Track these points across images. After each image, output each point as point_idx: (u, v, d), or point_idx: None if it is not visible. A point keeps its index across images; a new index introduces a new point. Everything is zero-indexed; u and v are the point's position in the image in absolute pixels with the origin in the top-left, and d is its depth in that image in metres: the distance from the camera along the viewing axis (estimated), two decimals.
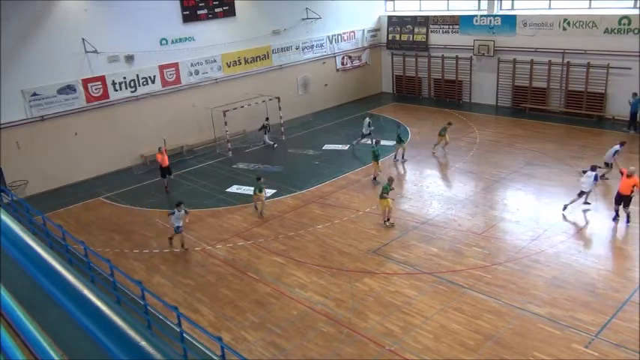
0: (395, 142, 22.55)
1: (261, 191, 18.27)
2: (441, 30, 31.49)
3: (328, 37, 31.48)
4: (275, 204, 19.07)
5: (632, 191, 15.41)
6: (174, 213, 15.95)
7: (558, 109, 27.44)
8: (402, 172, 21.77)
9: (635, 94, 23.77)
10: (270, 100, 26.41)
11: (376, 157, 20.30)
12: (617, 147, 18.55)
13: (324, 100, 31.77)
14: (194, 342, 11.46)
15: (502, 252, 14.86)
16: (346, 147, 24.82)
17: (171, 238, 16.34)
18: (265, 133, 25.66)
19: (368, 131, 24.32)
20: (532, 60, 27.81)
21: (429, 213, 17.50)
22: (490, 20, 29.09)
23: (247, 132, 27.29)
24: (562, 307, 12.15)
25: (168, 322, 12.10)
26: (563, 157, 21.39)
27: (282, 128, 26.75)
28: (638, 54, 24.02)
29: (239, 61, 27.50)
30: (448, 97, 31.82)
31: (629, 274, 13.40)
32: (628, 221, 15.73)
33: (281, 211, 18.47)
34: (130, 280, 12.47)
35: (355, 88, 33.63)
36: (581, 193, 16.50)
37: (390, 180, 17.05)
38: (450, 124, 23.33)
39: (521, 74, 28.65)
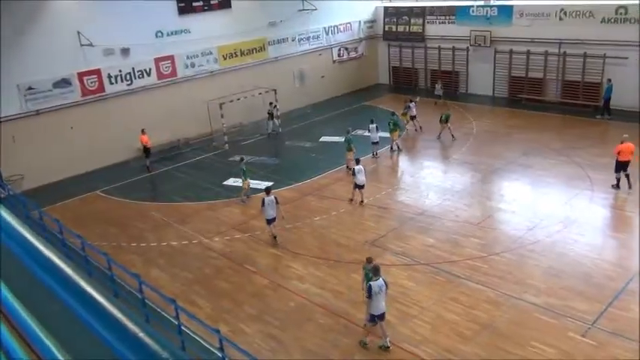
0: (389, 131, 22.35)
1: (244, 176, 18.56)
2: (437, 21, 31.39)
3: (324, 28, 31.39)
4: None
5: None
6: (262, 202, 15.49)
7: (555, 99, 27.45)
8: (397, 162, 21.85)
9: (609, 80, 24.07)
10: (267, 92, 26.34)
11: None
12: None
13: (321, 91, 31.69)
14: (192, 334, 11.50)
15: (499, 242, 14.92)
16: (343, 139, 24.76)
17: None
18: (271, 119, 26.05)
19: None
20: (529, 50, 27.76)
21: (426, 204, 17.53)
22: (487, 11, 29.02)
23: (244, 124, 27.24)
24: (558, 296, 12.23)
25: (166, 315, 12.08)
26: (559, 148, 21.42)
27: (279, 121, 26.68)
28: (637, 43, 24.00)
29: (235, 53, 27.41)
30: (445, 87, 31.80)
31: (624, 263, 13.49)
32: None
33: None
34: (128, 274, 12.38)
35: (352, 79, 33.52)
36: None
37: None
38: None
39: (517, 64, 28.59)
